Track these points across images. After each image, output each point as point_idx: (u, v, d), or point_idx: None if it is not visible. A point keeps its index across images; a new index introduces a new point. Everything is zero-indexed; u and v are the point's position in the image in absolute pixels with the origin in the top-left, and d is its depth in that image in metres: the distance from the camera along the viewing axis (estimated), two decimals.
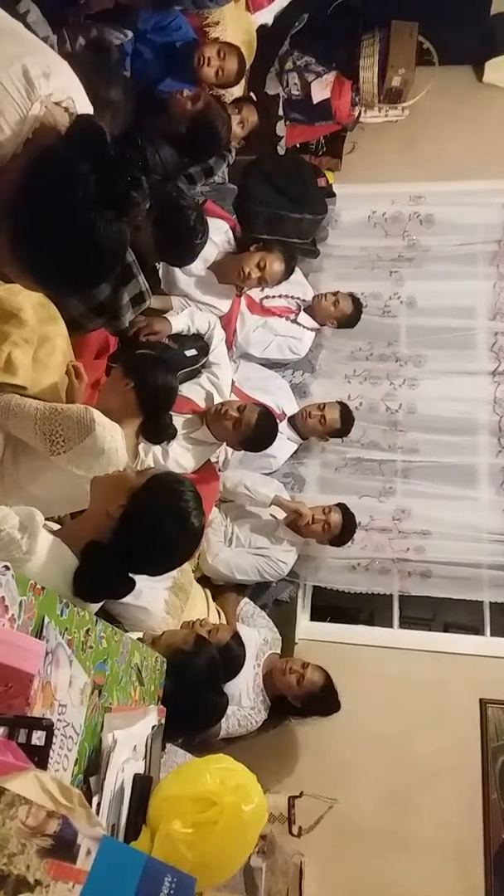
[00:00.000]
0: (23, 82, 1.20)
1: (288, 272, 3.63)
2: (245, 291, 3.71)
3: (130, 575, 1.65)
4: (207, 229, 2.96)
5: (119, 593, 1.69)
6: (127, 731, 1.52)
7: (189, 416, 3.13)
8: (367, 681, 3.43)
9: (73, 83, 1.31)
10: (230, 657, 2.71)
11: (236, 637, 2.78)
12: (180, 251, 2.87)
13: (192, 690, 2.07)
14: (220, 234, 3.52)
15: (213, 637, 2.67)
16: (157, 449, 2.96)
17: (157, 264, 3.05)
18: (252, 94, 3.90)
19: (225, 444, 3.26)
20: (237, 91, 3.49)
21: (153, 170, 2.72)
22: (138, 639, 2.34)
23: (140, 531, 1.62)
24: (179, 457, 3.04)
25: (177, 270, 3.30)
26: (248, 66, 3.45)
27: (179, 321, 3.16)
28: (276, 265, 3.51)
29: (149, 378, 2.29)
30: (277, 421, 3.26)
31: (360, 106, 4.42)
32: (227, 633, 2.74)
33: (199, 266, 3.37)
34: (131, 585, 1.66)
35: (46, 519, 1.98)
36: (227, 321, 3.59)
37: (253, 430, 3.09)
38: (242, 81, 3.46)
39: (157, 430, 2.39)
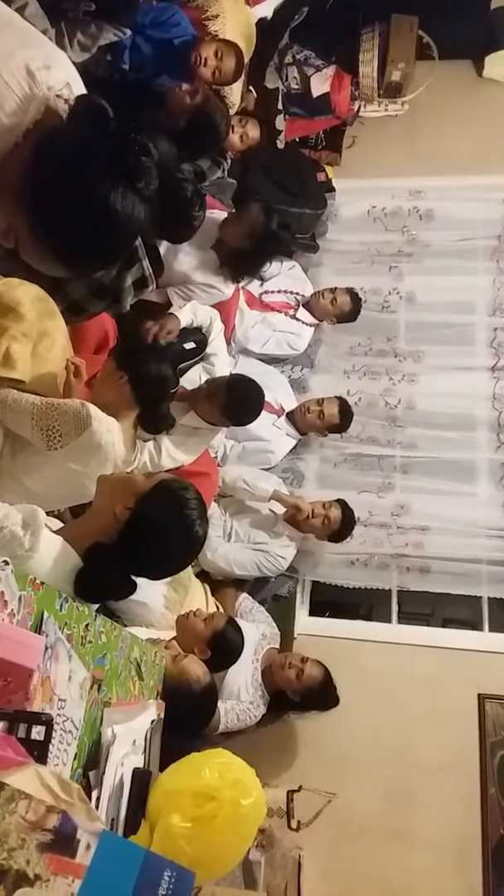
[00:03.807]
0: (24, 75, 1.21)
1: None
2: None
3: (132, 577, 1.66)
4: (205, 202, 2.93)
5: (120, 595, 1.70)
6: (126, 725, 1.52)
7: (176, 402, 3.10)
8: (365, 676, 3.43)
9: (72, 74, 1.31)
10: (227, 642, 2.69)
11: (232, 622, 2.77)
12: (177, 225, 2.82)
13: (170, 728, 1.84)
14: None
15: (209, 624, 2.67)
16: (151, 444, 2.95)
17: (158, 250, 3.02)
18: (251, 87, 3.90)
19: (219, 429, 3.22)
20: (236, 86, 3.49)
21: (156, 165, 2.70)
22: (166, 646, 2.34)
23: (145, 536, 1.63)
24: (173, 451, 3.02)
25: (179, 252, 3.26)
26: (246, 61, 3.44)
27: (184, 315, 3.15)
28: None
29: (143, 370, 2.28)
30: (258, 386, 3.16)
31: (359, 100, 4.41)
32: (223, 620, 2.73)
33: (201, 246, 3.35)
34: (133, 587, 1.67)
35: (46, 514, 1.99)
36: (226, 316, 3.57)
37: (226, 395, 3.01)
38: (242, 76, 3.45)
39: (154, 420, 2.38)
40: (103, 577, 1.60)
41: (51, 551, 1.52)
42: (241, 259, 3.38)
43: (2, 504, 1.48)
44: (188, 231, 2.93)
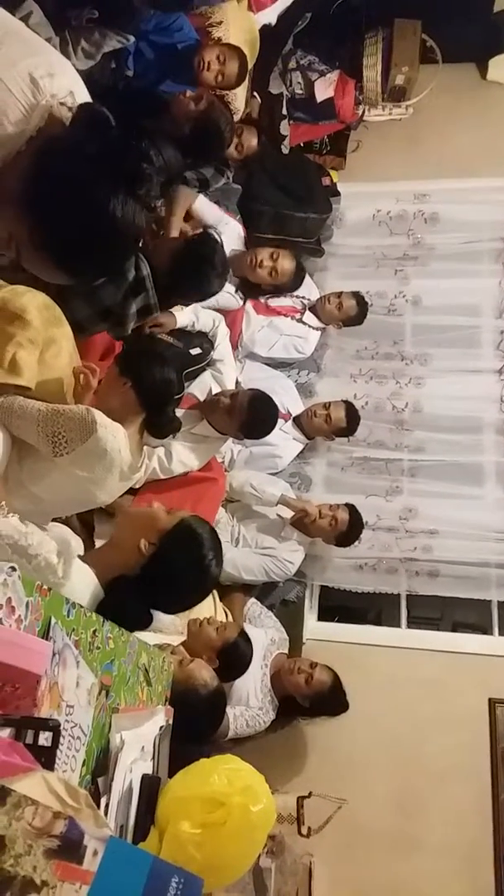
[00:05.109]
0: (27, 83, 1.21)
1: (297, 279, 3.68)
2: (255, 299, 3.73)
3: (149, 610, 1.78)
4: (226, 278, 3.01)
5: (137, 627, 1.76)
6: (135, 731, 1.51)
7: (188, 411, 3.12)
8: (375, 681, 3.42)
9: (76, 82, 1.32)
10: (237, 654, 2.70)
11: (243, 634, 2.78)
12: (189, 290, 2.85)
13: (179, 734, 1.80)
14: (233, 237, 3.56)
15: (221, 634, 2.67)
16: (161, 450, 2.95)
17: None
18: (255, 93, 3.91)
19: (229, 437, 3.23)
20: (241, 92, 3.49)
21: (158, 171, 2.70)
22: (172, 651, 2.35)
23: (163, 574, 1.73)
24: (183, 457, 3.03)
25: None
26: (250, 66, 3.45)
27: (184, 317, 3.15)
28: (287, 262, 3.59)
29: (146, 374, 2.27)
30: (275, 404, 3.21)
31: (363, 104, 4.42)
32: (235, 631, 2.74)
33: None
34: (150, 620, 1.77)
35: (53, 520, 2.00)
36: (233, 321, 3.59)
37: (247, 412, 3.04)
38: (246, 81, 3.46)
39: (160, 425, 2.38)
40: (124, 609, 1.66)
41: (81, 580, 1.58)
42: (260, 290, 3.70)
43: (37, 530, 1.51)
44: (199, 298, 2.97)
